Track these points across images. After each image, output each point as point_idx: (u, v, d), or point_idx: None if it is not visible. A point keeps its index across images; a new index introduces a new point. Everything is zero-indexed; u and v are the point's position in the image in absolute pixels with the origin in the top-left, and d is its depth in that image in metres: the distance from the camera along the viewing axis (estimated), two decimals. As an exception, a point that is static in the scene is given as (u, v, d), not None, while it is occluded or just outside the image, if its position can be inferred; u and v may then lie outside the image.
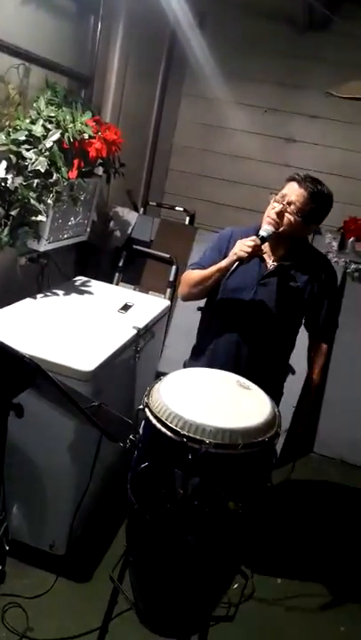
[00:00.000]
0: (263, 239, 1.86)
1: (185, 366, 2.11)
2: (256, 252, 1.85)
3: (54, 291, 2.59)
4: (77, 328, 2.26)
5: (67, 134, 2.28)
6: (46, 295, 2.53)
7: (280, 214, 1.88)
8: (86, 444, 1.91)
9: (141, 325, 2.41)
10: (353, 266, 3.22)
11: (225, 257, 1.91)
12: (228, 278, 1.91)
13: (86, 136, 2.38)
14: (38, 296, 2.50)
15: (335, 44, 3.46)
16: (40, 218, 2.25)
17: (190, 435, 1.25)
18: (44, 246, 2.46)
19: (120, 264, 3.43)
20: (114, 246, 3.44)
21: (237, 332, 1.99)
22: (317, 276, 2.00)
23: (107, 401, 1.58)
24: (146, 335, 2.49)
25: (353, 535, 2.72)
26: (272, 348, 2.02)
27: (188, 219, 3.69)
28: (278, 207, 1.88)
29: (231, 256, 1.86)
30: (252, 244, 1.82)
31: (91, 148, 2.40)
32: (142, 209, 3.71)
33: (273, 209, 1.89)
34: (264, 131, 3.83)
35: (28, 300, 2.43)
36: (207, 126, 3.93)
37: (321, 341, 2.11)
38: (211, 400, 1.38)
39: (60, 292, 2.59)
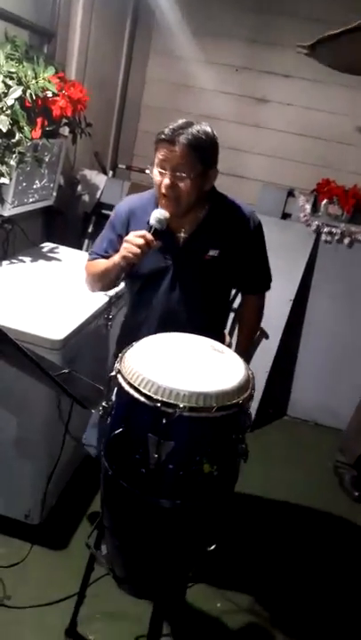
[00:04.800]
0: (156, 231, 1.60)
1: (117, 343, 1.97)
2: (148, 249, 1.59)
3: (20, 257, 2.50)
4: (46, 296, 2.20)
5: (29, 91, 2.16)
6: (12, 262, 2.45)
7: (172, 186, 1.60)
8: (57, 413, 1.88)
9: (113, 293, 2.36)
10: (326, 229, 3.20)
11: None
12: (139, 266, 1.67)
13: (50, 93, 2.27)
14: (4, 263, 2.42)
15: (308, -2, 3.36)
16: (3, 180, 2.15)
17: (164, 399, 1.23)
18: (8, 210, 2.37)
19: (89, 230, 3.33)
20: (82, 211, 3.34)
21: (166, 309, 1.77)
22: (239, 232, 1.77)
23: (79, 370, 1.54)
24: (118, 303, 2.44)
25: (326, 495, 2.78)
26: (204, 322, 1.77)
27: (157, 183, 3.59)
28: (166, 180, 1.59)
29: (120, 258, 1.61)
30: (141, 241, 1.56)
31: (55, 106, 2.29)
32: (111, 172, 3.59)
33: (161, 184, 1.61)
34: (236, 90, 3.72)
35: (-7, 268, 2.35)
36: (177, 85, 3.80)
37: (256, 293, 1.93)
38: (184, 364, 1.36)
39: (27, 259, 2.51)
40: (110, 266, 1.70)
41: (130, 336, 1.75)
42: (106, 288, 1.88)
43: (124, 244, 1.61)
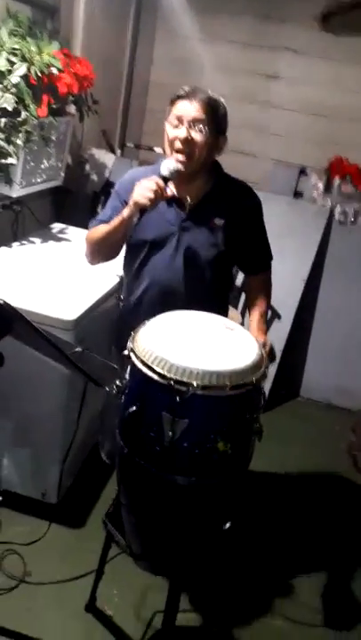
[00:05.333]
0: (165, 179, 1.57)
1: (117, 322, 1.95)
2: (161, 195, 1.56)
3: (30, 239, 2.49)
4: (57, 276, 2.19)
5: (33, 68, 2.12)
6: (22, 243, 2.44)
7: (188, 140, 1.59)
8: (72, 392, 1.89)
9: (123, 272, 2.34)
10: (339, 208, 3.14)
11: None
12: (141, 231, 1.67)
13: (55, 70, 2.22)
14: (14, 244, 2.41)
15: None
16: (10, 160, 2.12)
17: (177, 378, 1.22)
18: (16, 191, 2.34)
19: (99, 209, 3.30)
20: (91, 191, 3.31)
21: (168, 285, 1.74)
22: (241, 206, 1.77)
23: (91, 349, 1.54)
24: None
25: (340, 476, 2.78)
26: (208, 292, 1.79)
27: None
28: (182, 131, 1.59)
29: (131, 204, 1.58)
30: (154, 186, 1.53)
31: (60, 82, 2.25)
32: (119, 151, 3.55)
33: (175, 137, 1.60)
34: (245, 67, 3.63)
35: (2, 249, 2.35)
36: (185, 63, 3.71)
37: (259, 273, 1.90)
38: (197, 343, 1.35)
39: (37, 240, 2.50)
40: (117, 224, 1.65)
41: (131, 314, 1.76)
42: (107, 255, 1.81)
43: (136, 189, 1.57)
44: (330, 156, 3.28)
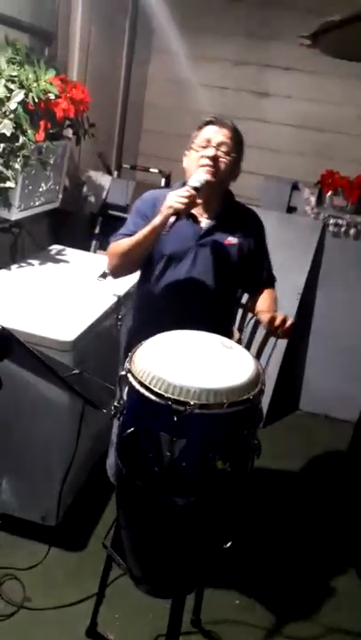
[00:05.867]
0: (197, 189, 1.68)
1: (128, 339, 2.00)
2: (192, 204, 1.67)
3: (29, 261, 2.51)
4: (56, 298, 2.21)
5: (31, 94, 2.17)
6: (21, 266, 2.46)
7: (215, 158, 1.74)
8: (70, 414, 1.89)
9: (122, 292, 2.36)
10: (332, 220, 3.18)
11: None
12: (160, 246, 1.76)
13: (52, 96, 2.27)
14: (13, 267, 2.43)
15: (307, -12, 3.33)
16: (9, 184, 2.15)
17: (174, 397, 1.22)
18: (15, 214, 2.37)
19: (96, 231, 3.33)
20: (89, 212, 3.34)
21: (182, 298, 1.83)
22: (250, 229, 1.90)
23: (90, 370, 1.55)
24: (127, 302, 2.44)
25: (340, 488, 2.76)
26: (219, 309, 1.90)
27: (163, 180, 3.59)
28: (211, 150, 1.74)
29: (165, 211, 1.65)
30: (187, 194, 1.65)
31: (57, 108, 2.29)
32: (116, 172, 3.60)
33: (202, 156, 1.75)
34: (236, 85, 3.71)
35: (1, 272, 2.36)
36: (178, 83, 3.78)
37: (268, 288, 1.97)
38: (193, 361, 1.35)
39: (36, 262, 2.52)
40: (148, 231, 1.71)
41: (143, 329, 1.73)
42: (131, 267, 1.87)
43: (170, 198, 1.65)
44: (321, 169, 3.34)
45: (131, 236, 1.79)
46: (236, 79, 3.69)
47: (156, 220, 1.69)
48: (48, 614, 1.86)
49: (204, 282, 1.83)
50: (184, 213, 1.67)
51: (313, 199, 3.24)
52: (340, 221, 3.18)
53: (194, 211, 1.79)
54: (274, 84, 3.65)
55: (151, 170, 3.63)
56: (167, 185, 3.56)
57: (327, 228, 3.21)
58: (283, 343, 3.10)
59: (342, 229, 3.19)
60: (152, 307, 1.88)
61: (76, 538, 2.16)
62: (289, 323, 1.67)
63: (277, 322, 1.65)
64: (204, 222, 1.84)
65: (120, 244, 1.82)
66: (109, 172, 3.50)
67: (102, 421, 2.28)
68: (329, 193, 3.21)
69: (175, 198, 1.64)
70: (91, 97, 2.51)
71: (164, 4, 3.32)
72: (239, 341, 2.14)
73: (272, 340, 2.17)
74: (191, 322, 1.60)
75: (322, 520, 2.53)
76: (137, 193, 3.36)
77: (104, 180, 3.36)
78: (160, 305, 1.85)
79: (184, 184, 1.76)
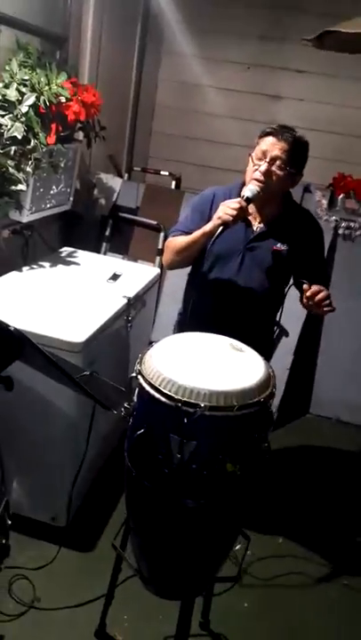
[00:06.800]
0: (248, 200, 1.77)
1: (174, 332, 2.07)
2: (241, 215, 1.75)
3: (40, 263, 2.53)
4: (66, 300, 2.22)
5: (42, 98, 2.19)
6: (32, 268, 2.47)
7: (267, 173, 1.79)
8: (81, 415, 1.90)
9: (132, 294, 2.37)
10: (343, 224, 3.17)
11: (209, 220, 1.81)
12: (213, 244, 1.80)
13: (63, 99, 2.29)
14: (24, 269, 2.44)
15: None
16: (20, 187, 2.17)
17: (185, 399, 1.23)
18: (26, 217, 2.39)
19: (107, 233, 3.35)
20: (99, 215, 3.36)
21: (225, 298, 1.92)
22: (304, 234, 1.93)
23: (100, 371, 1.55)
24: (137, 304, 2.45)
25: (349, 493, 2.75)
26: (260, 310, 1.97)
27: (174, 183, 3.60)
28: (264, 166, 1.78)
29: (215, 220, 1.76)
30: (238, 205, 1.72)
31: (68, 111, 2.31)
32: (126, 175, 3.61)
33: (256, 169, 1.80)
34: (248, 88, 3.71)
35: (13, 274, 2.38)
36: (190, 86, 3.80)
37: None
38: (204, 363, 1.35)
39: (47, 264, 2.53)
40: (198, 235, 1.82)
41: (189, 324, 1.85)
42: (183, 262, 1.96)
43: (221, 207, 1.74)
44: (333, 172, 3.33)
45: (185, 232, 1.89)
46: (248, 82, 3.69)
47: (207, 227, 1.78)
48: (57, 614, 1.87)
49: (247, 285, 1.89)
50: (232, 224, 1.73)
51: (325, 202, 3.23)
52: (351, 224, 3.17)
53: (249, 215, 1.85)
54: (286, 87, 3.65)
55: (162, 172, 3.65)
56: (177, 186, 3.57)
57: (339, 231, 3.19)
58: (292, 347, 3.09)
59: (356, 232, 3.17)
60: (197, 302, 1.94)
61: (86, 538, 2.17)
62: (322, 294, 1.73)
63: (320, 296, 1.72)
64: (256, 227, 1.90)
65: (174, 240, 1.92)
66: (120, 175, 3.52)
67: (111, 423, 2.29)
68: (341, 196, 3.21)
69: (225, 209, 1.72)
70: (101, 99, 2.52)
71: (175, 6, 3.33)
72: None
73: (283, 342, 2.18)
74: (231, 321, 1.76)
75: (332, 525, 2.51)
76: (147, 195, 3.39)
77: (115, 182, 3.38)
78: (204, 301, 1.92)
79: (243, 184, 1.83)
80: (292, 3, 3.43)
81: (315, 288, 1.72)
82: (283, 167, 1.79)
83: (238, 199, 1.75)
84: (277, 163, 1.78)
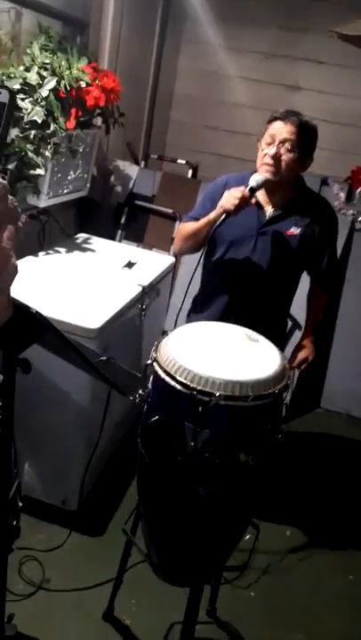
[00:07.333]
0: (252, 190, 1.76)
1: (188, 318, 2.07)
2: (244, 204, 1.74)
3: (56, 248, 2.53)
4: (82, 286, 2.22)
5: (63, 82, 2.18)
6: (48, 253, 2.48)
7: (277, 156, 1.78)
8: (95, 400, 1.91)
9: (146, 283, 2.37)
10: (361, 217, 3.14)
11: None
12: (224, 230, 1.82)
13: (83, 84, 2.28)
14: (40, 254, 2.45)
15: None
16: (38, 171, 2.17)
17: (200, 387, 1.23)
18: (44, 202, 2.39)
19: (122, 221, 3.35)
20: (115, 202, 3.36)
21: (238, 283, 1.93)
22: (318, 220, 1.92)
23: (114, 357, 1.55)
24: (151, 293, 2.45)
25: (358, 488, 2.74)
26: (274, 296, 1.98)
27: (190, 171, 3.58)
28: (273, 149, 1.78)
29: (218, 208, 1.77)
30: (240, 195, 1.72)
31: (88, 96, 2.30)
32: (143, 162, 3.59)
33: (266, 153, 1.79)
34: (267, 78, 3.67)
35: (29, 259, 2.39)
36: (208, 75, 3.76)
37: (322, 287, 2.08)
38: (219, 353, 1.35)
39: (63, 250, 2.54)
40: (203, 223, 1.84)
41: (202, 309, 1.98)
42: (191, 249, 1.97)
43: (225, 196, 1.75)
44: (352, 165, 3.28)
45: (196, 218, 1.90)
46: (268, 72, 3.64)
47: (211, 215, 1.81)
48: (66, 596, 1.89)
49: (260, 269, 1.89)
50: (234, 214, 1.74)
51: (343, 195, 3.19)
52: (369, 218, 3.12)
53: (261, 199, 1.87)
54: (305, 78, 3.60)
55: (179, 161, 3.63)
56: (194, 175, 3.55)
57: (356, 225, 3.15)
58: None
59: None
60: (212, 284, 1.99)
61: (96, 523, 2.19)
62: (297, 361, 2.01)
63: (295, 363, 2.00)
64: (269, 211, 1.90)
65: (184, 226, 1.95)
66: (137, 162, 3.50)
67: (124, 408, 2.30)
68: (359, 189, 3.17)
69: (228, 199, 1.73)
70: (121, 86, 2.51)
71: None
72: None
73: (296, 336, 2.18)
74: (244, 308, 1.83)
75: (340, 519, 2.51)
76: (164, 183, 3.37)
77: (131, 169, 3.36)
78: (218, 284, 1.96)
79: (254, 172, 1.83)
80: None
81: (298, 360, 2.00)
82: (292, 149, 1.78)
83: (241, 188, 1.76)
84: (286, 145, 1.78)
